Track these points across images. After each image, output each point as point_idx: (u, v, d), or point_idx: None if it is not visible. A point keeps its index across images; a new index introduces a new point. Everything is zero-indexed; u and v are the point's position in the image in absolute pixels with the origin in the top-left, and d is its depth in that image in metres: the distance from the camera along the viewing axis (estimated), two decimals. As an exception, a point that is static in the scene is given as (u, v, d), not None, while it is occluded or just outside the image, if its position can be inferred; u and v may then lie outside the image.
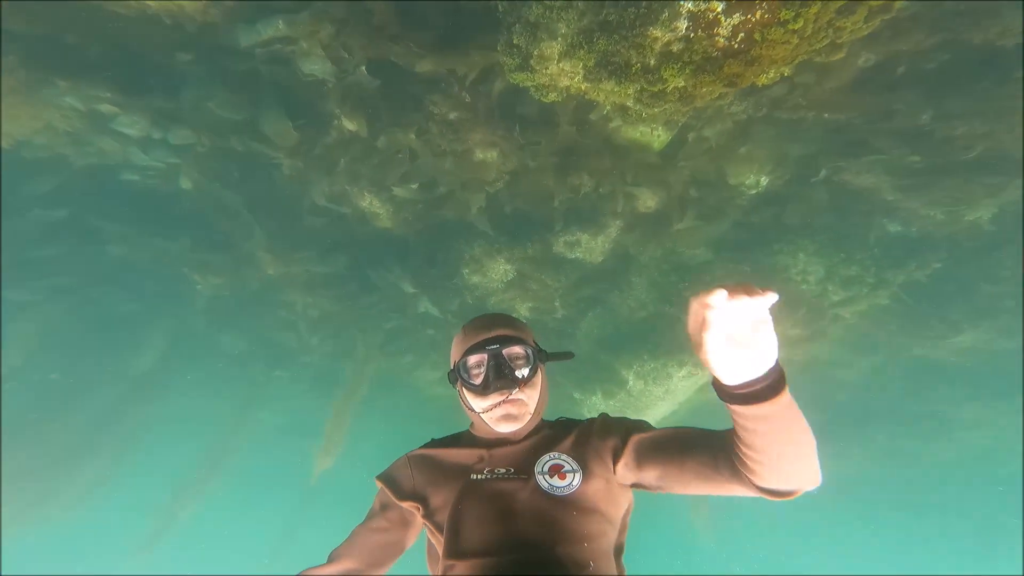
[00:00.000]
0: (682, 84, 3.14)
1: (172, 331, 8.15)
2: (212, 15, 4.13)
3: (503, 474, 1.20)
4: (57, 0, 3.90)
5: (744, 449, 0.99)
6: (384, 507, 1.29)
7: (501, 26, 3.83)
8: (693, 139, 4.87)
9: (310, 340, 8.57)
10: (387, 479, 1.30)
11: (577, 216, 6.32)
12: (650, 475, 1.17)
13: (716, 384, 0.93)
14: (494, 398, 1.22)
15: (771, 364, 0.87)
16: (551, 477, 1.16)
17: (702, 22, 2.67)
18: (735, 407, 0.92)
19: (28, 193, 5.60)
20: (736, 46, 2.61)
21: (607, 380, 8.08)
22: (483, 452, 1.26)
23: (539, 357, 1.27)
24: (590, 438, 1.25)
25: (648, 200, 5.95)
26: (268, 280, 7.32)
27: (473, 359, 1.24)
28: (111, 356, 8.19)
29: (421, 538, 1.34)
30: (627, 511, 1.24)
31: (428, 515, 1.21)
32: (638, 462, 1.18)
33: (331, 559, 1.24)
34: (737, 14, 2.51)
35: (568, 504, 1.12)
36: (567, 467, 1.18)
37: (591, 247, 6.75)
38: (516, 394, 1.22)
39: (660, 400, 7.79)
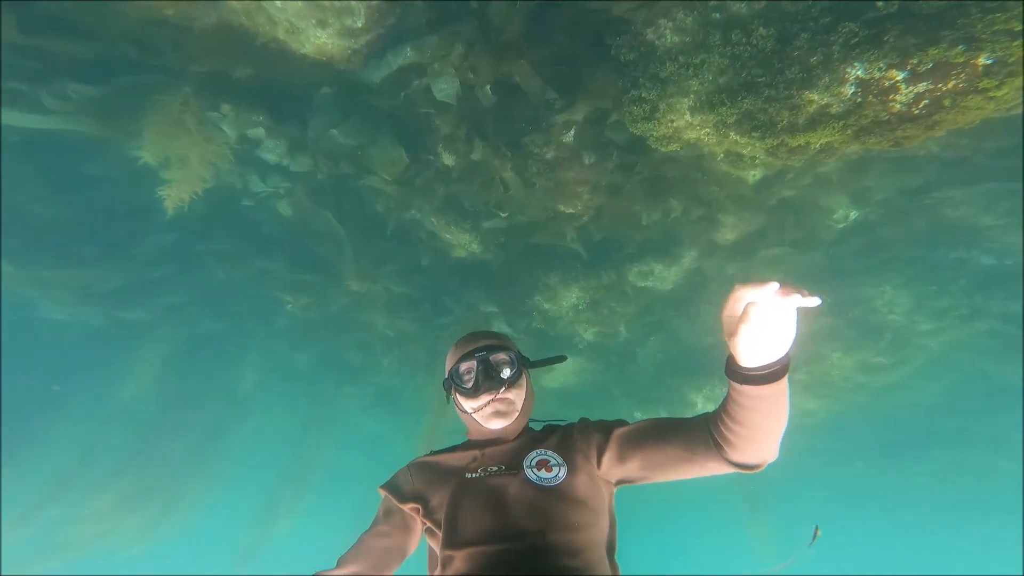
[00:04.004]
0: (827, 141, 2.94)
1: (265, 350, 8.29)
2: (354, 62, 4.18)
3: (495, 471, 1.23)
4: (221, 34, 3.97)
5: (732, 425, 1.04)
6: (387, 513, 1.31)
7: (623, 76, 3.70)
8: (791, 178, 4.63)
9: (382, 360, 8.61)
10: (389, 486, 1.35)
11: (652, 247, 6.13)
12: (633, 466, 1.21)
13: (730, 365, 0.98)
14: (484, 398, 1.28)
15: (785, 351, 0.92)
16: (538, 470, 1.20)
17: (875, 88, 2.47)
18: (745, 388, 0.97)
19: (158, 220, 5.74)
20: (917, 112, 2.40)
21: (672, 401, 7.85)
22: (477, 453, 1.31)
23: (522, 362, 1.34)
24: (573, 437, 1.30)
25: (728, 233, 5.73)
26: (351, 301, 7.39)
27: (464, 366, 1.31)
28: (217, 376, 8.38)
29: (422, 548, 1.35)
30: (611, 507, 1.26)
31: (428, 514, 1.23)
32: (621, 455, 1.22)
33: (339, 564, 1.27)
34: (924, 83, 2.31)
35: (555, 494, 1.15)
36: (553, 461, 1.22)
37: (663, 276, 6.54)
38: (503, 393, 1.28)
39: (728, 423, 7.50)
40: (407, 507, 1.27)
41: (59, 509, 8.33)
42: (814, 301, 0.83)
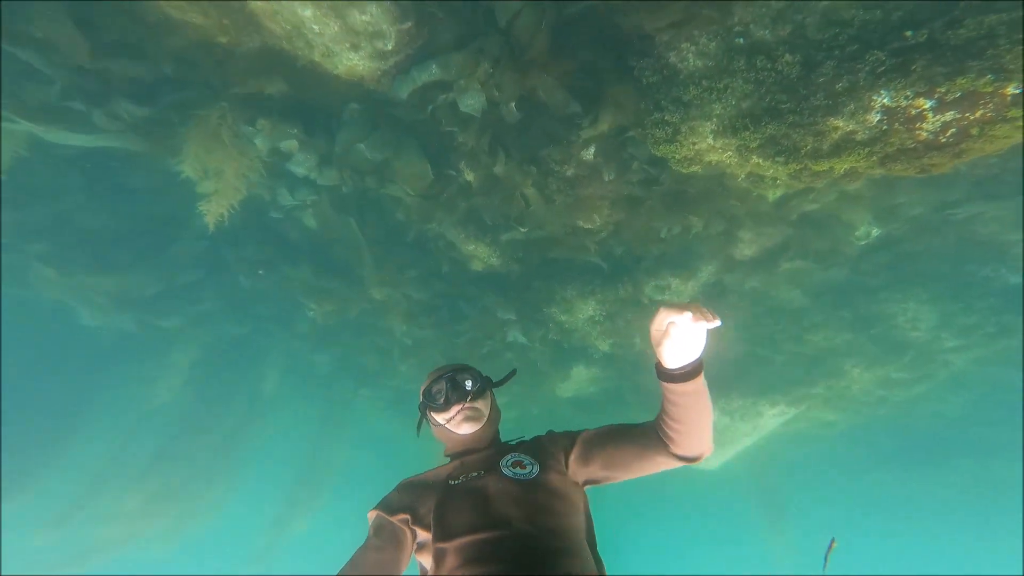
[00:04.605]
0: (851, 166, 2.95)
1: (287, 355, 8.48)
2: (383, 83, 4.30)
3: (475, 475, 1.36)
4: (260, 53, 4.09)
5: (670, 422, 1.27)
6: (378, 529, 1.37)
7: (645, 97, 3.75)
8: (814, 194, 4.61)
9: (400, 366, 8.73)
10: (379, 505, 1.45)
11: (670, 261, 6.14)
12: (596, 466, 1.37)
13: (658, 368, 1.22)
14: (454, 408, 1.47)
15: (698, 355, 1.17)
16: (514, 468, 1.35)
17: (901, 116, 2.48)
18: (670, 385, 1.21)
19: (191, 230, 5.94)
20: (944, 140, 2.41)
21: (688, 413, 7.78)
22: (457, 463, 1.46)
23: (484, 381, 1.56)
24: (543, 443, 1.47)
25: (747, 248, 5.71)
26: (371, 308, 7.52)
27: (436, 386, 1.52)
28: (241, 380, 8.60)
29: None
30: (586, 506, 1.39)
31: (417, 521, 1.33)
32: (586, 456, 1.38)
33: None
34: (952, 112, 2.32)
35: (532, 486, 1.29)
36: (526, 460, 1.38)
37: (680, 290, 6.53)
38: (470, 402, 1.48)
39: (746, 436, 7.44)
40: (397, 518, 1.35)
41: (92, 511, 8.66)
42: (717, 323, 1.09)
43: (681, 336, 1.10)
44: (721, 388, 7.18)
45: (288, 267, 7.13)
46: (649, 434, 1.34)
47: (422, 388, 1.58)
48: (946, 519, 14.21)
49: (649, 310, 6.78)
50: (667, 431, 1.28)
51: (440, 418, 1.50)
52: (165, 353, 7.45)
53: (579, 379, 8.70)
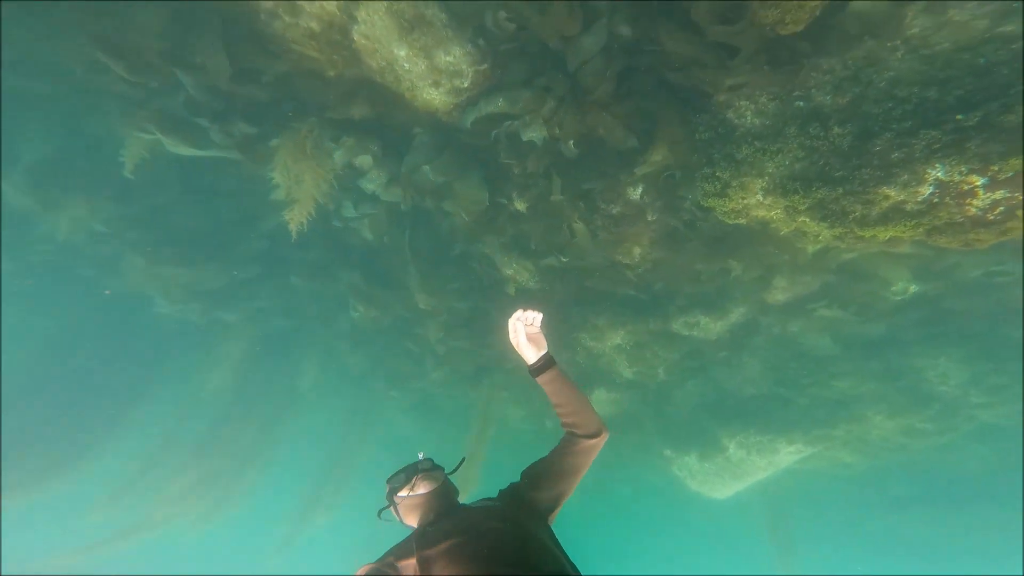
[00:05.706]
0: (895, 235, 3.07)
1: (325, 353, 8.81)
2: (454, 115, 4.59)
3: (448, 520, 1.53)
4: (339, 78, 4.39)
5: (560, 411, 1.63)
6: None
7: (698, 151, 3.93)
8: (857, 248, 4.69)
9: (431, 373, 8.95)
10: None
11: (703, 300, 6.21)
12: (545, 487, 1.58)
13: (529, 369, 1.64)
14: (415, 478, 1.69)
15: (545, 350, 1.65)
16: (481, 503, 1.60)
17: (953, 191, 2.62)
18: (541, 377, 1.63)
19: (262, 229, 6.34)
20: (992, 217, 2.54)
21: (705, 444, 7.77)
22: (431, 518, 1.62)
23: (438, 466, 1.80)
24: (498, 496, 1.66)
25: (780, 295, 5.77)
26: (410, 316, 7.77)
27: (400, 475, 1.75)
28: (280, 375, 8.98)
29: None
30: (551, 534, 1.55)
31: (402, 555, 1.46)
32: (534, 483, 1.60)
33: None
34: (1002, 191, 2.45)
35: (499, 510, 1.51)
36: (489, 501, 1.62)
37: (709, 328, 6.58)
38: (427, 475, 1.71)
39: (760, 470, 7.37)
40: (384, 563, 1.49)
41: (143, 490, 9.10)
42: (539, 315, 1.62)
43: (526, 329, 1.59)
44: (740, 422, 7.16)
45: (342, 271, 7.50)
46: (563, 440, 1.65)
47: (387, 482, 1.81)
48: (965, 567, 13.53)
49: (677, 340, 6.88)
50: (565, 420, 1.63)
51: (404, 491, 1.70)
52: (219, 344, 7.88)
53: (599, 401, 8.76)
